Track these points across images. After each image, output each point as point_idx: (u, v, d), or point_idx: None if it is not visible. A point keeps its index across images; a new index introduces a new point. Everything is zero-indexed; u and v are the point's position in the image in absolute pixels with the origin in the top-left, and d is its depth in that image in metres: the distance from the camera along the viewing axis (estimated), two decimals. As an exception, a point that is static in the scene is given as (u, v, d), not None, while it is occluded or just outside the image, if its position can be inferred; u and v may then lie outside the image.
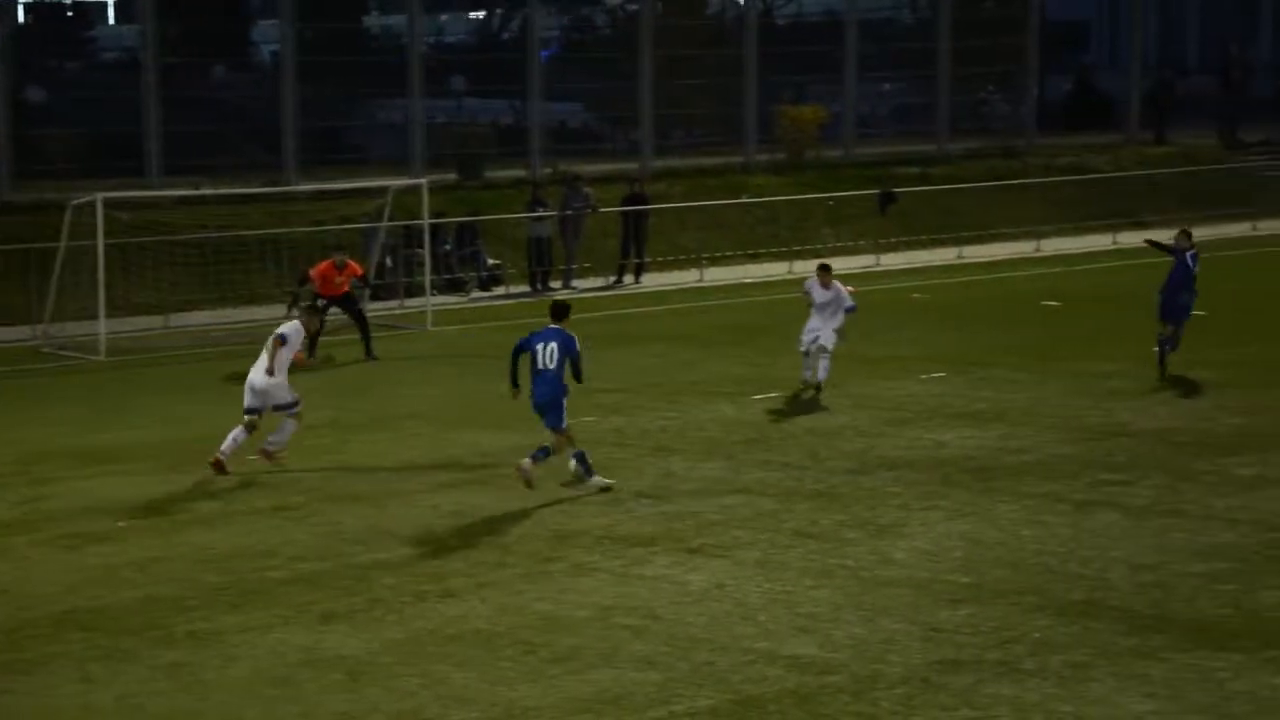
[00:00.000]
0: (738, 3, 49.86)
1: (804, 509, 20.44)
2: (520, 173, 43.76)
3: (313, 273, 31.13)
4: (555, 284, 39.39)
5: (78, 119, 41.94)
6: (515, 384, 21.64)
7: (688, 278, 40.58)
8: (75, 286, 33.08)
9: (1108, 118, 54.41)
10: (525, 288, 39.27)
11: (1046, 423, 24.74)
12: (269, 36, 45.94)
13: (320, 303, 30.53)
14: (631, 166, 44.46)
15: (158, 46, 40.47)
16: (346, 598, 17.40)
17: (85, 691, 15.08)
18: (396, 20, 46.82)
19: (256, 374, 22.90)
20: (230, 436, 22.52)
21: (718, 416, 25.60)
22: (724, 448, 23.54)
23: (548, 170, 43.43)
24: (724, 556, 18.61)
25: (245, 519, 20.52)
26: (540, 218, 39.32)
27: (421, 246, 36.60)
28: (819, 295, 27.18)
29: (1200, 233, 44.85)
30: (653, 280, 40.28)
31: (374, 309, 34.45)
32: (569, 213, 39.77)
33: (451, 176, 42.83)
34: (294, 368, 23.16)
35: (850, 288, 27.64)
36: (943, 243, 44.17)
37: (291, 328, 23.16)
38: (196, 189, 38.77)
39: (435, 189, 37.62)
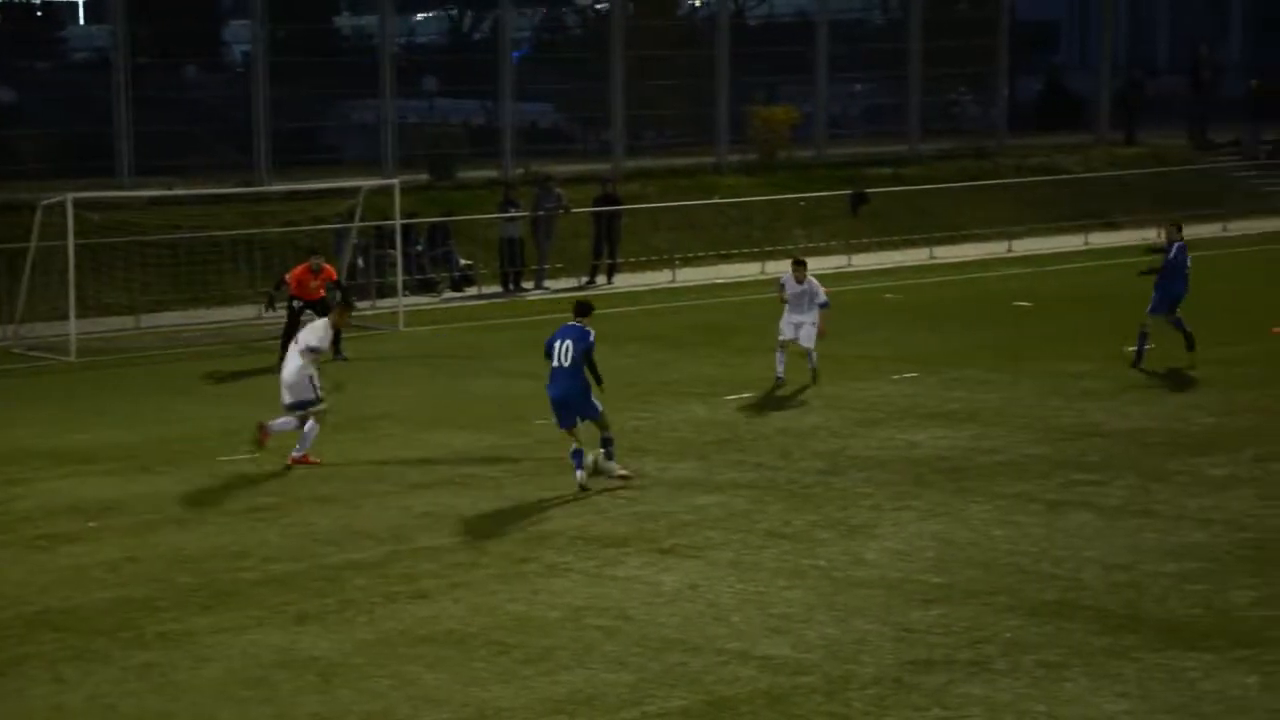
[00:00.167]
0: (709, 3, 49.86)
1: (777, 509, 20.45)
2: (492, 173, 43.75)
3: (288, 276, 31.07)
4: (527, 284, 39.39)
5: (48, 119, 41.81)
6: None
7: (660, 278, 40.60)
8: (46, 287, 32.99)
9: (1078, 118, 54.56)
10: (497, 288, 39.26)
11: (1019, 423, 24.79)
12: (240, 36, 45.83)
13: (296, 304, 30.56)
14: (603, 167, 44.45)
15: (128, 46, 40.34)
16: (319, 599, 17.38)
17: (57, 692, 15.04)
18: (368, 20, 46.76)
19: (287, 372, 23.20)
20: (306, 430, 23.00)
21: (690, 417, 25.61)
22: (696, 448, 23.55)
23: (520, 171, 43.41)
24: (697, 557, 18.62)
25: (218, 520, 20.48)
26: (512, 218, 39.31)
27: (393, 247, 36.56)
28: (793, 289, 27.54)
29: (1171, 233, 45.29)
30: (625, 281, 40.29)
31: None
32: (541, 213, 39.75)
33: (423, 177, 42.79)
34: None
35: (824, 288, 27.94)
36: (914, 243, 44.25)
37: (319, 337, 23.30)
38: (168, 189, 38.65)
39: (407, 189, 37.58)
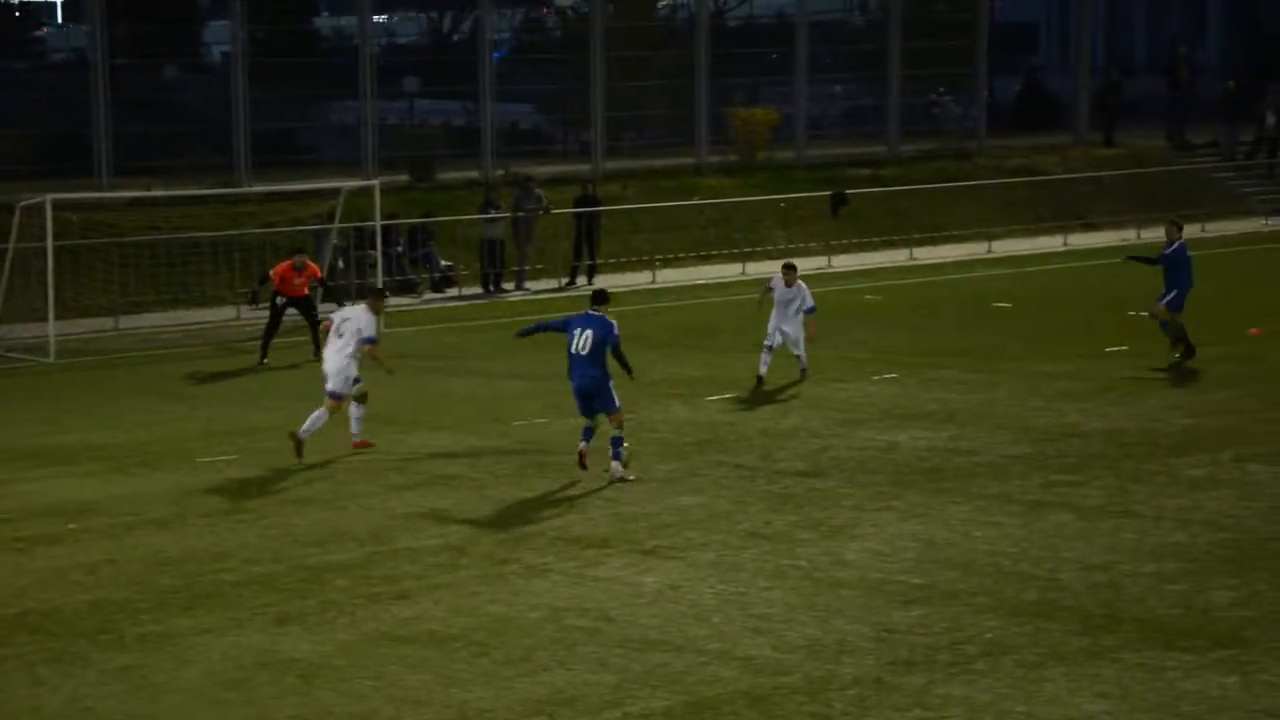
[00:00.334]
0: (689, 5, 49.86)
1: (757, 510, 20.47)
2: (472, 174, 43.73)
3: (272, 273, 31.07)
4: (508, 285, 39.39)
5: (26, 120, 41.67)
6: (521, 333, 23.24)
7: (640, 279, 40.59)
8: (24, 288, 32.92)
9: (1057, 119, 54.66)
10: (478, 289, 39.26)
11: (998, 424, 24.83)
12: (220, 37, 45.76)
13: (279, 300, 30.56)
14: (583, 168, 44.46)
15: (107, 47, 40.26)
16: (300, 600, 17.36)
17: (35, 695, 15.00)
18: (347, 21, 46.70)
19: (330, 362, 23.47)
20: (354, 420, 23.49)
21: (671, 418, 25.62)
22: (677, 449, 23.56)
23: (500, 172, 43.38)
24: (678, 558, 18.62)
25: (198, 521, 20.44)
26: (493, 219, 39.30)
27: (374, 248, 36.53)
28: (781, 293, 27.73)
29: (1149, 234, 45.45)
30: (605, 282, 40.07)
31: (326, 311, 34.27)
32: (521, 214, 39.75)
33: (404, 178, 42.77)
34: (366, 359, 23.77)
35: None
36: (894, 244, 44.31)
37: (370, 325, 23.51)
38: (147, 190, 38.59)
39: (387, 190, 37.56)
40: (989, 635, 15.96)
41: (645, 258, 41.42)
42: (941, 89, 52.71)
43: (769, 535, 19.42)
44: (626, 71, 46.17)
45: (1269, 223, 48.56)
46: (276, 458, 23.40)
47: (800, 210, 44.42)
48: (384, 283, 35.60)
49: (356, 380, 23.59)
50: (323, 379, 23.55)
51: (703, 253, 42.57)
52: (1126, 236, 46.09)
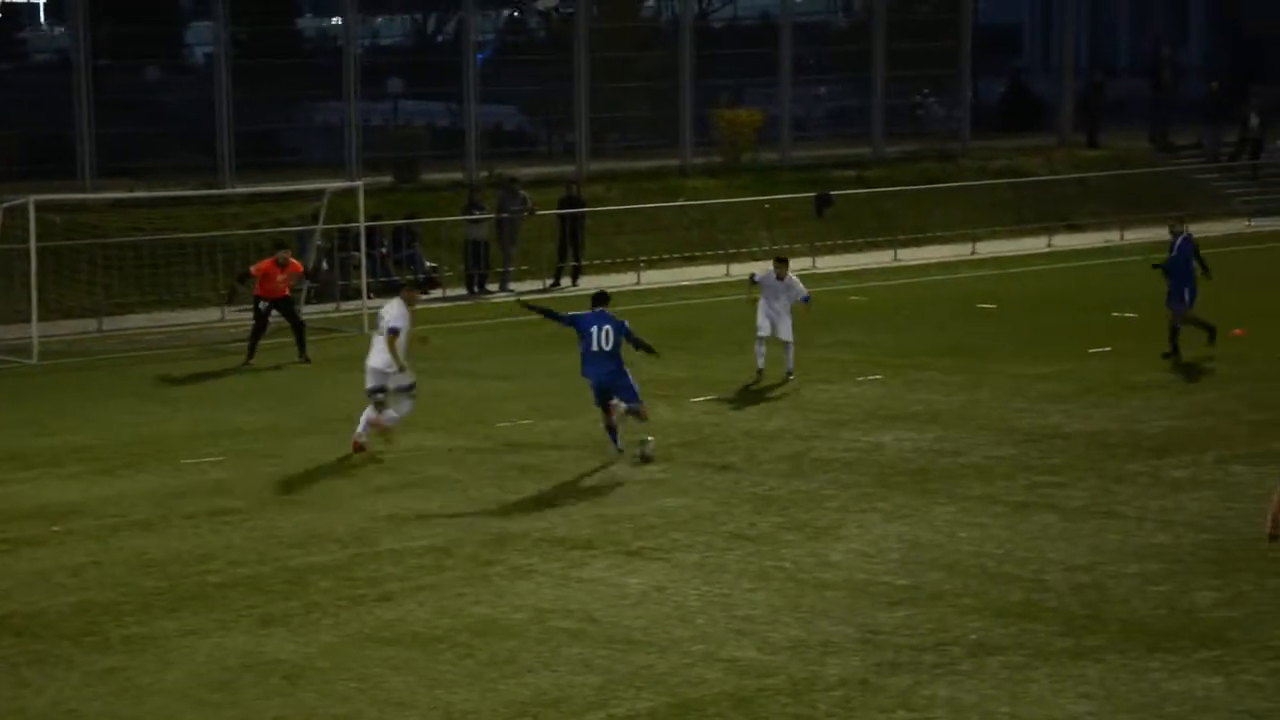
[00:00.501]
0: (673, 6, 49.88)
1: (742, 511, 20.47)
2: (457, 175, 43.69)
3: (254, 270, 31.02)
4: (492, 287, 39.38)
5: (9, 121, 41.56)
6: (529, 305, 24.23)
7: (625, 280, 40.56)
8: (7, 290, 32.88)
9: (1041, 120, 54.72)
10: (462, 290, 39.25)
11: (982, 425, 24.86)
12: (202, 38, 45.70)
13: (262, 305, 30.52)
14: (568, 169, 44.44)
15: (90, 48, 40.19)
16: (284, 601, 17.34)
17: (19, 697, 14.97)
18: (331, 22, 46.65)
19: (374, 358, 23.33)
20: (363, 419, 23.26)
21: (655, 419, 25.56)
22: (662, 450, 23.53)
23: (484, 173, 43.36)
24: (662, 559, 18.63)
25: (182, 523, 20.41)
26: (477, 220, 39.29)
27: (358, 249, 36.50)
28: (772, 285, 28.38)
29: (1133, 236, 45.56)
30: (590, 283, 40.12)
31: (310, 312, 34.32)
32: (506, 215, 39.74)
33: (388, 179, 42.73)
34: (411, 348, 23.67)
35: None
36: (879, 245, 44.34)
37: (399, 317, 23.35)
38: (130, 191, 38.53)
39: (371, 191, 37.52)
40: (974, 636, 15.98)
41: (630, 259, 41.41)
42: (926, 90, 52.75)
43: (754, 537, 19.43)
44: (611, 73, 46.16)
45: (1252, 224, 48.63)
46: (260, 459, 23.38)
47: (785, 211, 44.43)
48: (364, 284, 35.62)
49: (402, 371, 23.34)
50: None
51: (687, 254, 42.58)
52: (1110, 238, 46.17)
